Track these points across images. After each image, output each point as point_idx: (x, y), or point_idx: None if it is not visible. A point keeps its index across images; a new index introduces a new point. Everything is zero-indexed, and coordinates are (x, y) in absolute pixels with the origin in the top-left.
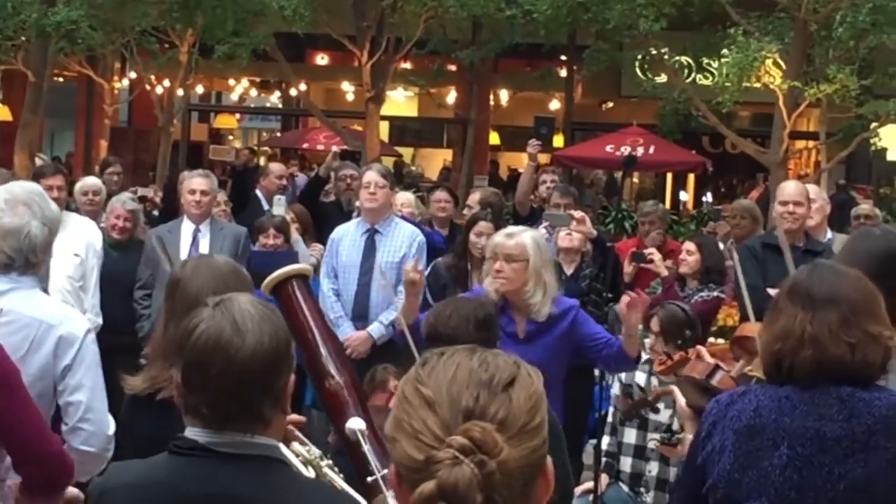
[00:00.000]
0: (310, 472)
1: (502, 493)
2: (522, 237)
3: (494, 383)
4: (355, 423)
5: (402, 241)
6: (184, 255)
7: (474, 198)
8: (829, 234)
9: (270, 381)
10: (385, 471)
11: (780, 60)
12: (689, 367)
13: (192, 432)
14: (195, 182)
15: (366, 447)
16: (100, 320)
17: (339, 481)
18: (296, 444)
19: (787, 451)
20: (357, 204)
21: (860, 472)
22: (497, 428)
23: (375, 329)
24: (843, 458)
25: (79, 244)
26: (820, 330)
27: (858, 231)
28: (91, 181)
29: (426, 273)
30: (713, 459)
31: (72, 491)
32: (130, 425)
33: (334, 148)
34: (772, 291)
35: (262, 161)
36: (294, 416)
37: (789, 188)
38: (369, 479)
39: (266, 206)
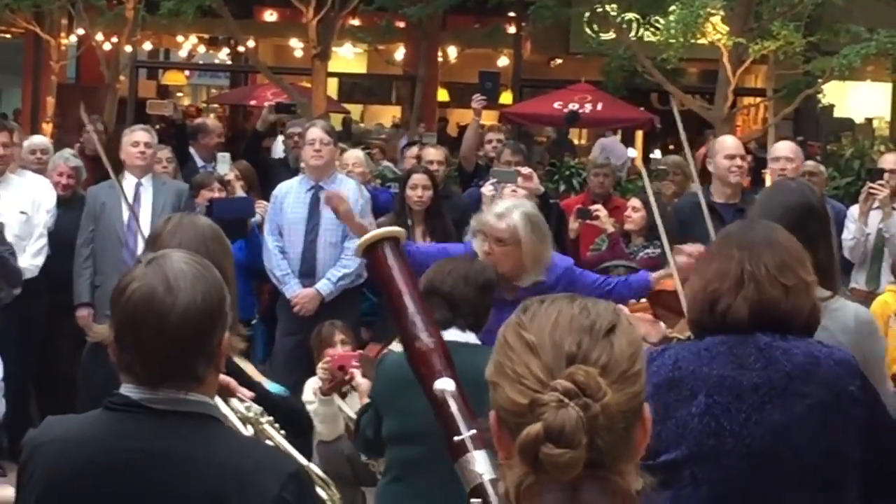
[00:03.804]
0: (248, 430)
1: (604, 437)
2: (513, 217)
3: (596, 329)
4: (444, 384)
5: (348, 198)
6: (126, 210)
7: (432, 154)
8: None
9: (204, 339)
10: (472, 431)
11: (725, 16)
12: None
13: (126, 389)
14: (137, 135)
15: (453, 408)
16: (39, 261)
17: (278, 438)
18: (234, 401)
19: (705, 399)
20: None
21: (778, 419)
22: (600, 373)
23: (323, 286)
24: (760, 405)
25: (24, 202)
26: (758, 269)
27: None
28: (38, 140)
29: None
30: None
31: None
32: (88, 372)
33: (267, 103)
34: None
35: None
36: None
37: (730, 141)
38: (456, 439)
39: (200, 163)
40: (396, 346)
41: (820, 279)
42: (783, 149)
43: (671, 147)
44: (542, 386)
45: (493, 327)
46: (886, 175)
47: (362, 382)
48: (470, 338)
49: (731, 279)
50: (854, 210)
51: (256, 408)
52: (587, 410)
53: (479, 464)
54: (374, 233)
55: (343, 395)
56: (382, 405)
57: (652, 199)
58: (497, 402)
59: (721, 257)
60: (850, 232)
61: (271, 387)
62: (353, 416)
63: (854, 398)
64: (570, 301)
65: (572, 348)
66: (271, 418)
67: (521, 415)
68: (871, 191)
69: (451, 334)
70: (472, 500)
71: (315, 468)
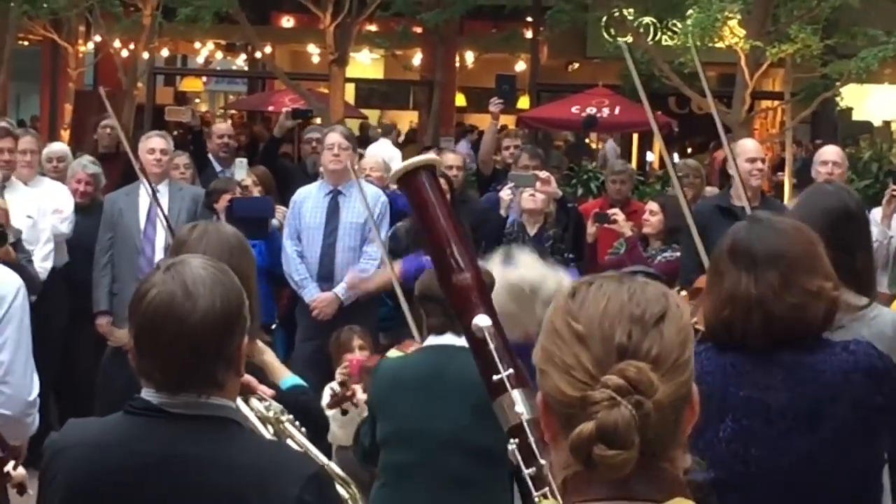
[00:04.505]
0: (268, 429)
1: (656, 430)
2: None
3: (646, 318)
4: (482, 321)
5: (367, 201)
6: (143, 216)
7: (450, 158)
8: None
9: (223, 344)
10: (510, 370)
11: (742, 20)
12: None
13: (146, 393)
14: (153, 141)
15: (492, 345)
16: (48, 264)
17: (299, 437)
18: (254, 401)
19: (732, 423)
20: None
21: (805, 445)
22: (651, 367)
23: (342, 290)
24: (787, 431)
25: (31, 207)
26: (764, 292)
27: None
28: (56, 147)
29: (388, 236)
30: None
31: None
32: (109, 376)
33: (284, 109)
34: None
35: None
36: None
37: (751, 145)
38: (494, 377)
39: (218, 168)
40: (393, 353)
41: (856, 285)
42: (832, 153)
43: (689, 150)
44: (592, 379)
45: None
46: None
47: (363, 398)
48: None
49: (740, 305)
50: (876, 213)
51: (277, 406)
52: (640, 408)
53: (519, 403)
54: (412, 161)
55: (344, 412)
56: (377, 408)
57: (681, 196)
58: (545, 388)
59: (729, 278)
60: (872, 235)
61: (290, 380)
62: None
63: (881, 408)
64: (618, 285)
65: (622, 339)
66: (291, 416)
67: (569, 405)
68: (894, 194)
69: (447, 339)
70: (511, 439)
71: (335, 467)
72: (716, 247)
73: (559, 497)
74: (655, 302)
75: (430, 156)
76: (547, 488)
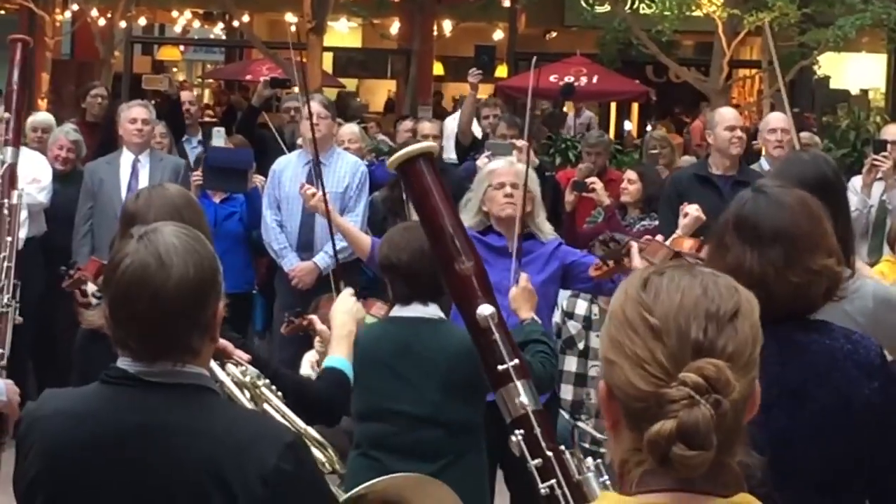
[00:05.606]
0: (244, 395)
1: (727, 428)
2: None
3: (721, 314)
4: (485, 310)
5: (346, 172)
6: (124, 186)
7: (427, 128)
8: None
9: (198, 312)
10: (515, 361)
11: None
12: (650, 251)
13: (122, 362)
14: (135, 111)
15: (496, 335)
16: (23, 233)
17: (276, 401)
18: (230, 366)
19: None
20: (299, 140)
21: (784, 423)
22: (728, 365)
23: (321, 259)
24: (767, 407)
25: None
26: (765, 270)
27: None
28: (41, 117)
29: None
30: None
31: None
32: (84, 358)
33: (262, 77)
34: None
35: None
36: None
37: (730, 114)
38: (500, 368)
39: (184, 137)
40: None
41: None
42: (780, 120)
43: (667, 118)
44: (667, 375)
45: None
46: (889, 146)
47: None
48: (433, 311)
49: (743, 281)
50: (856, 181)
51: (253, 371)
52: (718, 408)
53: (523, 394)
54: (410, 149)
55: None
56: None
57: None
58: (612, 379)
59: (733, 252)
60: (852, 204)
61: (334, 360)
62: None
63: (868, 402)
64: (691, 277)
65: (699, 336)
66: (268, 381)
67: (640, 399)
68: (875, 163)
69: (414, 310)
70: (515, 430)
71: (313, 431)
72: (721, 217)
73: (617, 480)
74: (729, 297)
75: (428, 143)
76: (554, 480)
